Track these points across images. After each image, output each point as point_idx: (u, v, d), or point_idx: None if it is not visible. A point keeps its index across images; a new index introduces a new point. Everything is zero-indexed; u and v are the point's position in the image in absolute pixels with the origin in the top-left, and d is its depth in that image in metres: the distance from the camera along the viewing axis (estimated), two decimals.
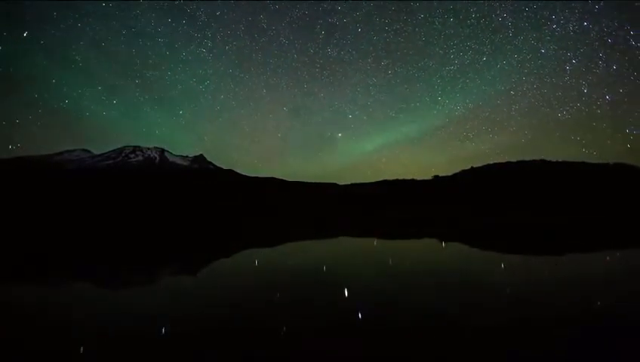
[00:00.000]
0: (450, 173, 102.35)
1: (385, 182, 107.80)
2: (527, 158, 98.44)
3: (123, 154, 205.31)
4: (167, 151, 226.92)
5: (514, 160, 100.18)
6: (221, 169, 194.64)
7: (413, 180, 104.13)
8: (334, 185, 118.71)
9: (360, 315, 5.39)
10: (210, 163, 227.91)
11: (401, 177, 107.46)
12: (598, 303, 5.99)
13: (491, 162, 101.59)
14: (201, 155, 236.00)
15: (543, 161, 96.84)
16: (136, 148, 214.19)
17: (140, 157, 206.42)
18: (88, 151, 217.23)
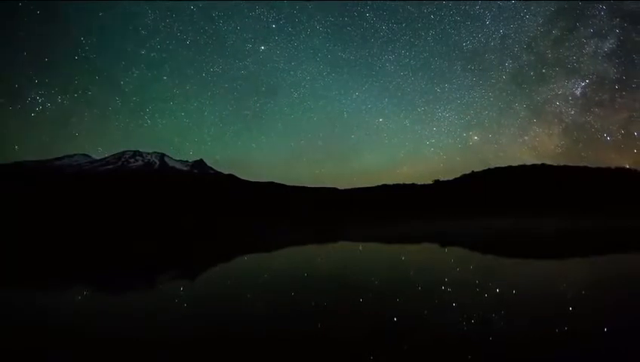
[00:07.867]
0: (451, 178, 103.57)
1: (385, 186, 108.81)
2: (528, 163, 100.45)
3: (122, 159, 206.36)
4: (167, 155, 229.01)
5: (514, 164, 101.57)
6: (221, 174, 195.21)
7: (413, 184, 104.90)
8: (334, 189, 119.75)
9: (362, 320, 5.29)
10: (210, 168, 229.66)
11: (401, 182, 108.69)
12: (598, 307, 5.97)
13: (492, 166, 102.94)
14: (201, 160, 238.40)
15: (543, 165, 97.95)
16: (136, 153, 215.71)
17: (140, 162, 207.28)
18: (88, 156, 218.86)
